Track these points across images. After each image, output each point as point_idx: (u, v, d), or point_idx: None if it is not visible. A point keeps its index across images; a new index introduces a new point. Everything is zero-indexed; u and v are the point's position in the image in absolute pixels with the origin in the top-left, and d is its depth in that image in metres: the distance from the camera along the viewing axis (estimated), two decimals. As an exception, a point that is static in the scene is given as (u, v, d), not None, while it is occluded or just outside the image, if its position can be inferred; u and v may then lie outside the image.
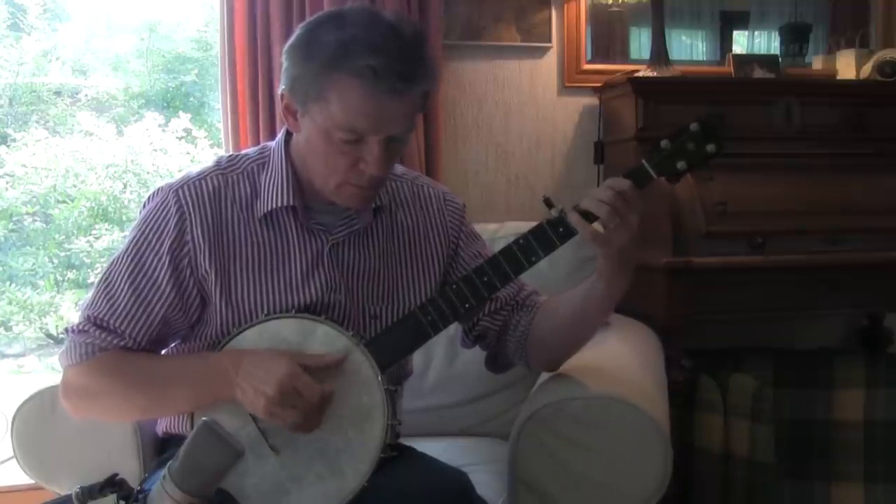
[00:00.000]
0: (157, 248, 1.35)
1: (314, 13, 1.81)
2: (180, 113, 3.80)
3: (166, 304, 1.35)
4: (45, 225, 3.79)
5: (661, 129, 2.17)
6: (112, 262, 1.38)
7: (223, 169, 1.40)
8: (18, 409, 1.60)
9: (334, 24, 1.27)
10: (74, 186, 3.76)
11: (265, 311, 1.35)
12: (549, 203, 1.34)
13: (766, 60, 2.54)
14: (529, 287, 1.53)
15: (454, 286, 1.36)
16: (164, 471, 1.08)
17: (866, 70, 2.50)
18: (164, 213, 1.36)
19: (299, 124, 1.33)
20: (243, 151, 1.47)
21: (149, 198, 1.41)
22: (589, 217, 1.30)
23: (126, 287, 1.35)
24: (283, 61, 1.32)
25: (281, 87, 1.33)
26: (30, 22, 3.80)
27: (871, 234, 2.22)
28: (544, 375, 1.66)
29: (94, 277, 3.64)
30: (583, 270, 1.94)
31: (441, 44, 2.46)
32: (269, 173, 1.39)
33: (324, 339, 1.32)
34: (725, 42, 2.83)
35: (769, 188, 2.25)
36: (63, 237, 3.76)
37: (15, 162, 3.66)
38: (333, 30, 1.26)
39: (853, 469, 2.38)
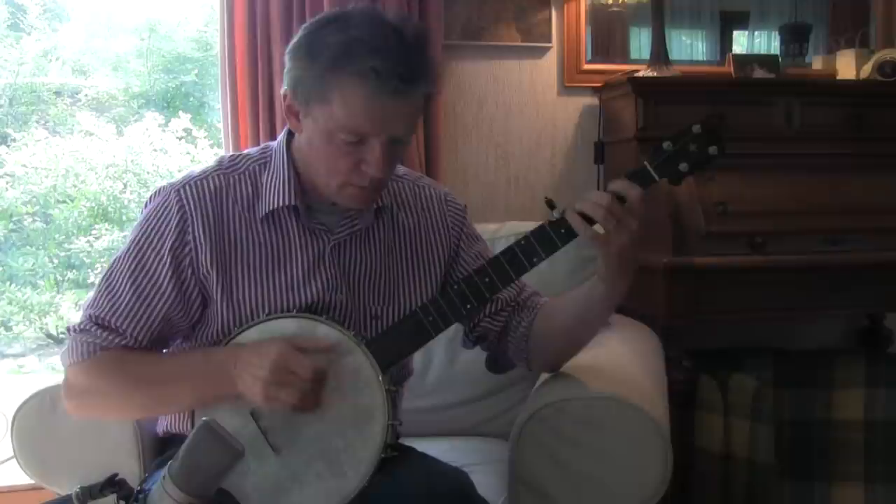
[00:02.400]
0: (158, 247, 1.35)
1: (314, 13, 1.82)
2: (180, 113, 3.80)
3: (167, 303, 1.35)
4: (45, 225, 3.80)
5: (661, 129, 2.19)
6: (114, 262, 1.38)
7: (225, 169, 1.40)
8: (18, 409, 1.60)
9: (337, 26, 1.27)
10: (74, 186, 3.76)
11: (266, 311, 1.35)
12: (550, 204, 1.35)
13: (766, 60, 2.54)
14: (530, 288, 1.53)
15: (455, 287, 1.36)
16: (164, 471, 1.08)
17: (866, 70, 2.50)
18: (166, 212, 1.36)
19: (301, 125, 1.33)
20: (245, 151, 1.47)
21: (150, 197, 1.41)
22: (588, 219, 1.30)
23: (127, 286, 1.35)
24: (285, 62, 1.32)
25: (283, 88, 1.33)
26: (30, 22, 3.81)
27: (871, 234, 2.22)
28: (544, 375, 1.66)
29: (94, 277, 3.65)
30: (583, 270, 1.94)
31: (441, 44, 2.46)
32: (270, 173, 1.39)
33: (325, 338, 1.32)
34: (725, 42, 2.83)
35: (769, 188, 2.25)
36: (63, 237, 3.76)
37: (15, 162, 3.66)
38: (336, 31, 1.26)
39: (853, 469, 2.38)
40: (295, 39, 1.31)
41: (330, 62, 1.24)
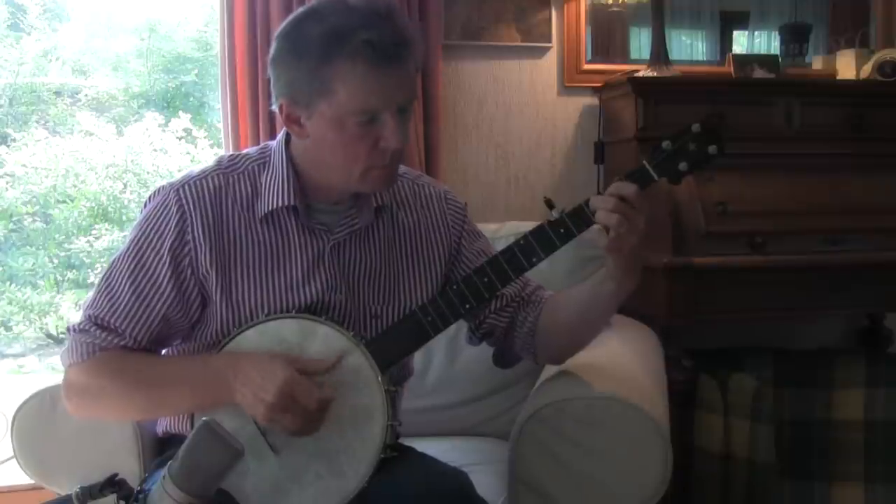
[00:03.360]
0: (157, 247, 1.35)
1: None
2: (180, 113, 3.80)
3: (167, 303, 1.35)
4: (45, 225, 3.80)
5: (661, 129, 2.18)
6: (113, 262, 1.38)
7: (224, 169, 1.40)
8: (18, 409, 1.60)
9: (312, 19, 1.27)
10: (74, 186, 3.76)
11: (266, 311, 1.35)
12: (550, 204, 1.35)
13: (766, 60, 2.54)
14: (534, 282, 1.53)
15: (455, 287, 1.36)
16: (164, 471, 1.08)
17: (866, 70, 2.50)
18: (165, 212, 1.36)
19: (305, 129, 1.32)
20: (244, 151, 1.47)
21: (149, 197, 1.41)
22: (590, 221, 1.31)
23: (127, 286, 1.35)
24: (269, 75, 1.32)
25: (277, 101, 1.32)
26: (30, 22, 3.81)
27: (871, 234, 2.22)
28: (545, 375, 1.66)
29: (94, 277, 3.65)
30: (583, 270, 1.94)
31: (441, 44, 2.46)
32: (269, 173, 1.39)
33: (324, 339, 1.32)
34: (725, 42, 2.83)
35: (769, 188, 2.25)
36: (63, 237, 3.77)
37: (15, 162, 3.67)
38: (314, 24, 1.26)
39: (853, 469, 2.38)
40: (273, 49, 1.31)
41: (321, 52, 1.24)
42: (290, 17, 1.33)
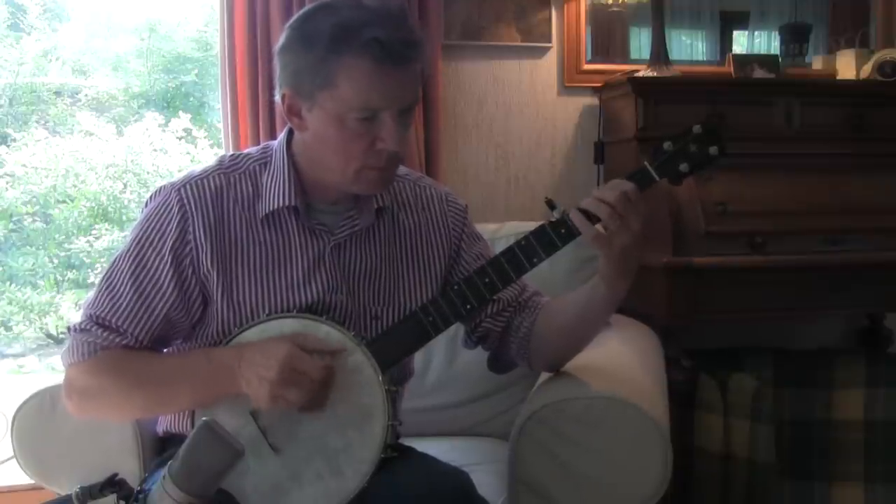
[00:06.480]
0: (159, 247, 1.35)
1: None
2: (180, 113, 3.81)
3: (168, 303, 1.35)
4: (45, 225, 3.80)
5: (661, 129, 2.19)
6: (114, 261, 1.38)
7: (225, 168, 1.40)
8: (18, 409, 1.60)
9: (324, 12, 1.28)
10: (74, 186, 3.76)
11: (266, 312, 1.35)
12: (550, 204, 1.35)
13: (766, 60, 2.54)
14: (532, 288, 1.53)
15: (456, 287, 1.36)
16: (164, 471, 1.08)
17: (866, 70, 2.50)
18: (167, 211, 1.36)
19: (305, 122, 1.33)
20: (246, 151, 1.47)
21: (151, 196, 1.41)
22: (591, 218, 1.30)
23: (128, 286, 1.35)
24: (276, 64, 1.33)
25: (280, 90, 1.33)
26: (30, 22, 3.81)
27: (871, 234, 2.22)
28: (544, 375, 1.66)
29: (94, 277, 3.65)
30: (583, 270, 1.94)
31: (441, 44, 2.46)
32: (270, 173, 1.39)
33: (325, 339, 1.32)
34: (725, 42, 2.83)
35: (769, 188, 2.25)
36: (63, 237, 3.77)
37: (15, 162, 3.67)
38: (326, 16, 1.27)
39: (853, 469, 2.38)
40: (282, 39, 1.32)
41: (329, 45, 1.25)
42: (303, 9, 1.34)
